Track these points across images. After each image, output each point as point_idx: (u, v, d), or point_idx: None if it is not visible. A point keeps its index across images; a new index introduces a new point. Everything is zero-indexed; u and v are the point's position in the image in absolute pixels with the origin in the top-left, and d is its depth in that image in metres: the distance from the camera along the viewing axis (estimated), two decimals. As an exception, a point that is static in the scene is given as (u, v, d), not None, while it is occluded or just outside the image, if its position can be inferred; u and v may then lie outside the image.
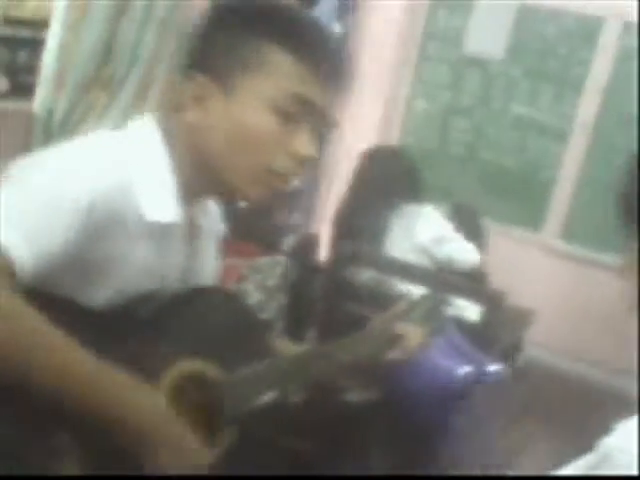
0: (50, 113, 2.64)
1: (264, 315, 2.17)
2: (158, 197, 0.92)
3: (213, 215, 1.07)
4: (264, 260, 2.23)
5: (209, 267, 1.08)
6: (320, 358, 1.01)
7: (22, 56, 1.99)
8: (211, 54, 0.93)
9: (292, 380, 0.98)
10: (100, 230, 0.85)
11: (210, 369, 0.88)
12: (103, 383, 0.79)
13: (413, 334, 1.10)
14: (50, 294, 0.83)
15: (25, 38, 1.98)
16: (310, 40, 0.94)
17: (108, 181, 0.86)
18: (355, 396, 1.35)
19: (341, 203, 2.51)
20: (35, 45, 2.04)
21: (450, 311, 1.92)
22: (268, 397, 0.92)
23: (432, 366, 1.42)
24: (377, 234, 2.25)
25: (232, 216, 1.35)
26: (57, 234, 0.82)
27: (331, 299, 2.12)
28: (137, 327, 0.88)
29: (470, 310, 2.01)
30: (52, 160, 0.87)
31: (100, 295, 0.88)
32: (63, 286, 0.85)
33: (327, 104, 0.95)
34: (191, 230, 1.00)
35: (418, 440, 1.45)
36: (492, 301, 1.94)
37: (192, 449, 0.84)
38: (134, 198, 0.89)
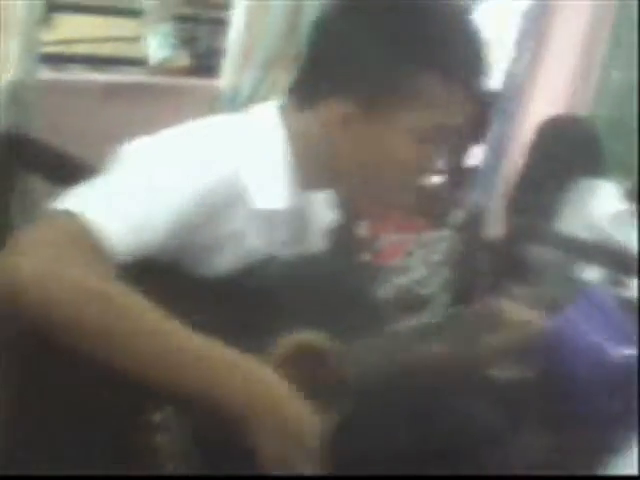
0: (236, 90, 2.78)
1: (427, 290, 2.15)
2: (270, 184, 0.93)
3: (324, 201, 1.07)
4: (430, 235, 2.20)
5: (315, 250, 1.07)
6: (437, 332, 0.99)
7: (203, 34, 2.11)
8: (355, 78, 0.91)
9: (409, 352, 0.96)
10: (208, 216, 0.88)
11: (324, 340, 0.89)
12: (209, 362, 0.80)
13: (516, 313, 1.03)
14: (158, 262, 0.86)
15: (205, 17, 2.10)
16: (462, 64, 0.90)
17: (218, 171, 0.89)
18: (504, 373, 1.30)
19: (516, 177, 2.41)
20: (216, 24, 2.16)
21: (626, 292, 1.79)
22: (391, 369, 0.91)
23: (584, 346, 1.33)
24: (550, 210, 2.14)
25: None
26: (158, 226, 0.84)
27: (499, 275, 2.05)
28: (247, 296, 0.90)
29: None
30: (166, 145, 0.90)
31: (209, 268, 0.91)
32: (170, 257, 0.87)
33: (468, 120, 0.92)
34: (302, 217, 1.01)
35: (572, 424, 1.37)
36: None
37: (302, 430, 0.82)
38: (244, 185, 0.90)
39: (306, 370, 0.88)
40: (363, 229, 2.34)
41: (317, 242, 1.07)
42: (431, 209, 2.19)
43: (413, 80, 0.89)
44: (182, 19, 2.04)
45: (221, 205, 0.89)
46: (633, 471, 0.62)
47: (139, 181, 0.85)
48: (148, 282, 0.80)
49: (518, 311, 1.03)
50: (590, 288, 1.49)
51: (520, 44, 3.20)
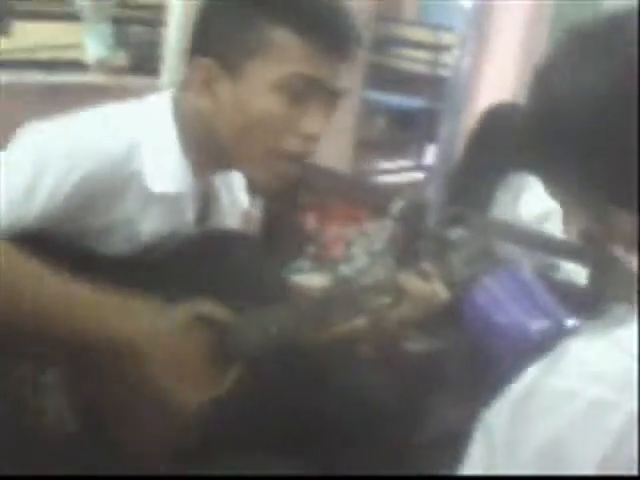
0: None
1: (369, 279, 2.19)
2: (164, 169, 0.95)
3: (235, 186, 1.10)
4: (371, 225, 2.24)
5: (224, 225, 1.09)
6: (339, 303, 1.02)
7: (141, 34, 2.13)
8: (214, 37, 0.94)
9: (307, 323, 1.00)
10: (95, 199, 0.90)
11: (219, 310, 0.92)
12: (101, 305, 0.84)
13: (420, 288, 1.06)
14: (58, 237, 0.89)
15: (142, 18, 2.12)
16: (313, 17, 0.92)
17: (106, 154, 0.91)
18: (416, 345, 1.34)
19: (456, 165, 2.45)
20: (153, 25, 2.19)
21: (558, 275, 1.84)
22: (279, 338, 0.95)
23: (505, 320, 1.38)
24: (483, 202, 2.17)
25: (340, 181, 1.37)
26: (35, 203, 0.86)
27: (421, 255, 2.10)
28: (148, 271, 0.93)
29: (578, 274, 1.91)
30: (58, 128, 0.93)
31: (108, 248, 0.94)
32: (69, 236, 0.90)
33: (335, 77, 0.93)
34: (205, 202, 1.03)
35: (491, 395, 1.42)
36: (601, 265, 1.84)
37: (194, 377, 0.87)
38: (139, 168, 0.93)
39: (200, 337, 0.91)
40: (309, 221, 2.38)
41: (226, 225, 1.10)
42: (372, 200, 2.24)
43: (265, 34, 0.91)
44: (119, 20, 2.07)
45: (110, 188, 0.91)
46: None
47: (27, 159, 0.88)
48: (52, 258, 0.82)
49: (421, 284, 1.07)
50: (514, 267, 1.54)
51: (464, 40, 3.26)
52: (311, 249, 2.30)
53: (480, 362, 1.37)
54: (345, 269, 2.13)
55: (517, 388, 0.68)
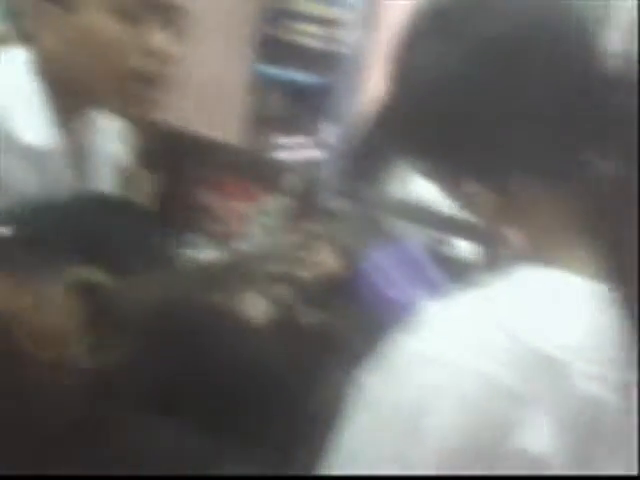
0: None
1: (263, 255, 2.19)
2: (29, 119, 0.92)
3: (109, 133, 1.08)
4: (268, 201, 2.23)
5: (103, 185, 1.07)
6: (229, 270, 1.01)
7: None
8: None
9: (195, 290, 0.98)
10: None
11: (100, 275, 0.89)
12: None
13: (311, 258, 1.08)
14: None
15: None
16: None
17: None
18: (310, 318, 1.34)
19: (351, 141, 2.48)
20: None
21: (447, 251, 1.90)
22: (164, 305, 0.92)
23: (396, 296, 1.40)
24: (378, 179, 2.21)
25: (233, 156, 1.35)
26: None
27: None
28: (20, 239, 0.89)
29: (466, 250, 1.97)
30: None
31: None
32: None
33: None
34: (77, 158, 1.00)
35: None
36: (489, 242, 1.91)
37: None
38: (6, 122, 0.89)
39: (82, 306, 0.88)
40: (204, 196, 2.34)
41: (106, 183, 1.06)
42: (268, 175, 2.23)
43: None
44: None
45: None
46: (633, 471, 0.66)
47: None
48: None
49: (311, 254, 1.08)
50: (405, 243, 1.57)
51: (358, 15, 3.28)
52: (206, 224, 2.27)
53: (371, 335, 1.39)
54: (242, 245, 2.11)
55: (384, 350, 0.69)
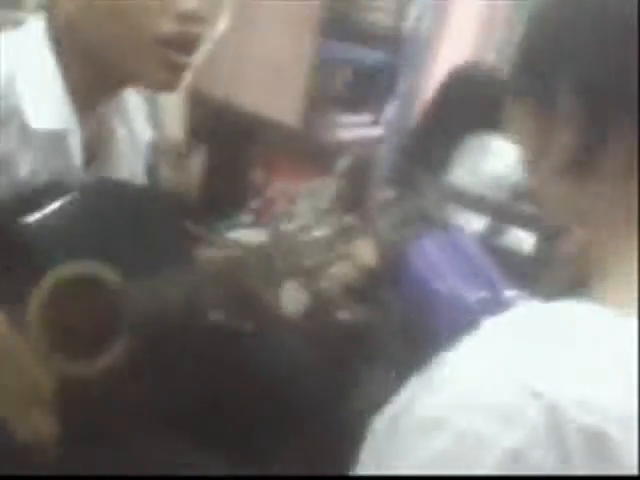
0: None
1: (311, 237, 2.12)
2: (44, 102, 0.86)
3: (134, 118, 1.01)
4: (318, 182, 2.16)
5: (126, 174, 1.01)
6: (251, 267, 0.94)
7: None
8: None
9: (211, 290, 0.91)
10: None
11: (108, 272, 0.83)
12: None
13: (353, 249, 0.99)
14: None
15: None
16: None
17: None
18: (348, 315, 1.26)
19: (413, 126, 2.38)
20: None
21: (505, 241, 1.78)
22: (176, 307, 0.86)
23: (443, 288, 1.31)
24: (439, 163, 2.11)
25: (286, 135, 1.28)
26: None
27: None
28: (26, 227, 0.84)
29: (525, 242, 1.86)
30: None
31: None
32: None
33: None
34: (95, 140, 0.94)
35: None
36: (547, 235, 1.79)
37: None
38: (16, 102, 0.84)
39: (83, 301, 0.83)
40: (254, 175, 2.28)
41: (124, 167, 1.00)
42: (320, 156, 2.15)
43: None
44: None
45: None
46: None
47: None
48: None
49: (353, 245, 1.00)
50: (454, 232, 1.48)
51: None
52: (254, 203, 2.21)
53: (414, 333, 1.31)
54: (287, 226, 2.04)
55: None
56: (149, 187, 1.04)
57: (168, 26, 0.88)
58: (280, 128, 2.32)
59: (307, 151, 2.23)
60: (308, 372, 1.04)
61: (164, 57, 0.90)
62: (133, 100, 1.03)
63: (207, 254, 1.06)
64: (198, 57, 1.08)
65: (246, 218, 2.13)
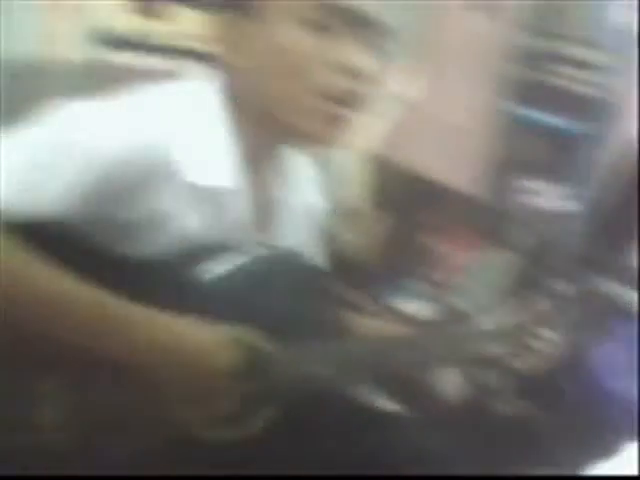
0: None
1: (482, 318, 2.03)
2: (210, 158, 0.87)
3: (304, 187, 1.00)
4: (494, 254, 2.07)
5: (295, 243, 0.99)
6: (408, 348, 0.90)
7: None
8: None
9: (363, 368, 0.87)
10: (125, 187, 0.82)
11: (263, 338, 0.82)
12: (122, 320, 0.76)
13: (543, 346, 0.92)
14: (72, 235, 0.81)
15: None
16: None
17: (141, 139, 0.82)
18: (509, 408, 1.18)
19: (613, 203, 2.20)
20: None
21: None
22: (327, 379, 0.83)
23: (618, 387, 1.19)
24: (627, 248, 1.93)
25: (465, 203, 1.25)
26: (58, 185, 0.78)
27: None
28: (192, 285, 0.84)
29: None
30: (89, 107, 0.84)
31: (132, 248, 0.86)
32: (85, 231, 0.82)
33: (370, 9, 0.83)
34: (263, 202, 0.93)
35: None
36: None
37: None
38: (178, 157, 0.85)
39: (235, 366, 0.81)
40: (431, 243, 2.23)
41: (291, 233, 1.00)
42: (493, 226, 2.07)
43: None
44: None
45: (143, 177, 0.82)
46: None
47: (50, 137, 0.80)
48: (58, 253, 0.76)
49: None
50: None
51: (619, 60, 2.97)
52: (425, 271, 2.16)
53: (580, 434, 1.19)
54: (457, 301, 1.97)
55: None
56: (317, 261, 1.03)
57: (329, 78, 0.87)
58: (457, 195, 2.26)
59: (482, 220, 2.15)
60: (455, 464, 0.97)
61: (325, 110, 0.88)
62: (303, 167, 1.03)
63: (366, 324, 1.04)
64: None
65: (415, 286, 2.09)
